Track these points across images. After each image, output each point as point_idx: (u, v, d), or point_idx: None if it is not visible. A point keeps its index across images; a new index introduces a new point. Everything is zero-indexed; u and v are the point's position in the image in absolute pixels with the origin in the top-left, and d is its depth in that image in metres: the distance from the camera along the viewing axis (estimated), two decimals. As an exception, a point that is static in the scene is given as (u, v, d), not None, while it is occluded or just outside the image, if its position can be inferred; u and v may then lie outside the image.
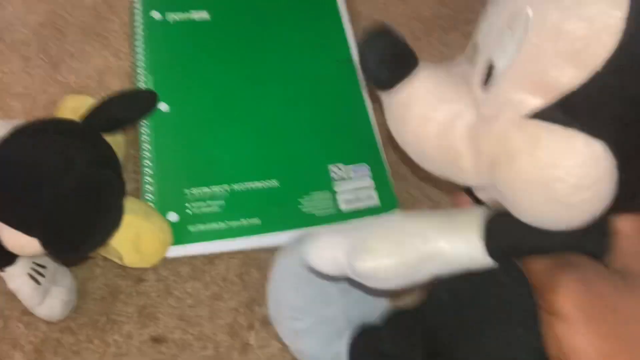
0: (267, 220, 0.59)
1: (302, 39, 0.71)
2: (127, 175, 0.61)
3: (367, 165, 0.63)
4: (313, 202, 0.60)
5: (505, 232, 0.34)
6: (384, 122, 0.66)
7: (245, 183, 0.60)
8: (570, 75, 0.27)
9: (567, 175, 0.28)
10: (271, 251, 0.59)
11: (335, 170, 0.62)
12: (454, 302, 0.41)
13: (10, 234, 0.44)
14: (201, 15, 0.71)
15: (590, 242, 0.32)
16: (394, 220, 0.37)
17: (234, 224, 0.58)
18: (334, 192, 0.61)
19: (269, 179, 0.61)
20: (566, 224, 0.31)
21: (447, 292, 0.42)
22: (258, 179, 0.61)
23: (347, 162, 0.63)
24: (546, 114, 0.28)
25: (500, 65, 0.30)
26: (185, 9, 0.71)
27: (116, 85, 0.67)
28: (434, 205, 0.63)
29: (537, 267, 0.33)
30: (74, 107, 0.57)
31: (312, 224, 0.59)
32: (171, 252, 0.56)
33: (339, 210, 0.60)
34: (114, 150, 0.48)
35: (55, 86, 0.66)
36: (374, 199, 0.61)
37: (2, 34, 0.68)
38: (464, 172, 0.33)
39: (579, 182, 0.28)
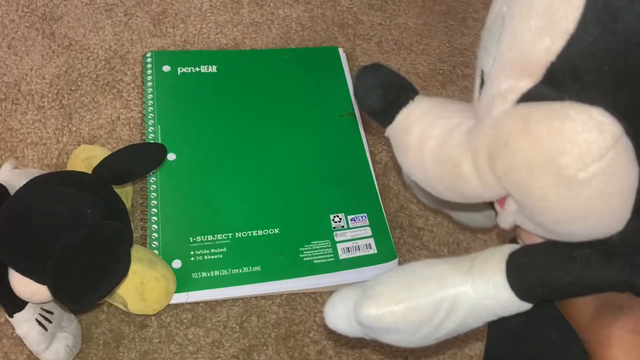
0: (267, 268, 0.60)
1: (307, 93, 0.74)
2: (135, 223, 0.63)
3: (366, 215, 0.65)
4: (313, 251, 0.62)
5: (530, 268, 0.31)
6: (383, 174, 0.69)
7: (248, 231, 0.62)
8: (547, 46, 0.26)
9: (568, 145, 0.25)
10: (271, 299, 0.60)
11: (336, 219, 0.64)
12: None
13: (21, 281, 0.46)
14: (210, 69, 0.74)
15: (637, 274, 0.28)
16: (411, 266, 0.34)
17: (235, 271, 0.60)
18: (333, 241, 0.63)
19: (271, 227, 0.63)
20: (595, 219, 0.27)
21: (502, 353, 0.39)
22: (260, 228, 0.63)
23: (347, 212, 0.65)
24: (533, 94, 0.27)
25: (487, 67, 0.30)
26: (195, 64, 0.74)
27: (126, 135, 0.70)
28: (431, 254, 0.65)
29: (581, 317, 0.30)
30: (86, 158, 0.60)
31: (312, 272, 0.61)
32: (174, 299, 0.58)
33: (338, 259, 0.62)
34: (122, 202, 0.51)
35: (68, 136, 0.69)
36: (372, 248, 0.63)
37: (20, 84, 0.72)
38: (468, 180, 0.30)
39: (584, 150, 0.25)
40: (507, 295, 0.31)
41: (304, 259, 0.61)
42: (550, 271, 0.30)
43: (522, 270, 0.31)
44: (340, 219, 0.65)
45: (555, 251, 0.31)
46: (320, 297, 0.61)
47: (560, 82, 0.26)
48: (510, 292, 0.31)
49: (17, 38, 0.75)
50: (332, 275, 0.61)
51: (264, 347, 0.58)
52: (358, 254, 0.62)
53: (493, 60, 0.29)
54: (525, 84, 0.28)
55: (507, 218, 0.32)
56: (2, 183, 0.53)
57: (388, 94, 0.33)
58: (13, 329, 0.52)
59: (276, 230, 0.63)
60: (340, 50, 0.79)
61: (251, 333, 0.58)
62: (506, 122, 0.28)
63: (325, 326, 0.54)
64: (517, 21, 0.27)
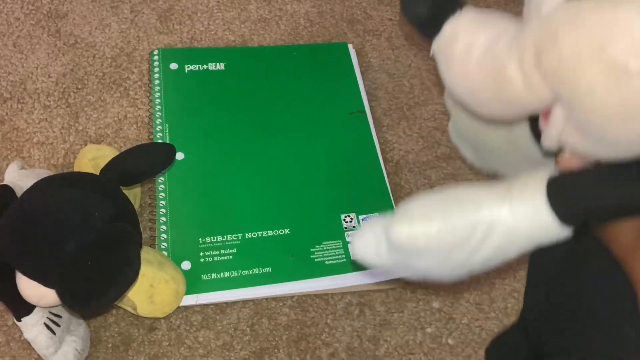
0: (278, 269, 0.59)
1: (316, 90, 0.73)
2: (143, 224, 0.62)
3: (377, 215, 0.64)
4: (324, 252, 0.61)
5: (573, 186, 0.29)
6: (394, 172, 0.68)
7: (258, 232, 0.61)
8: None
9: (620, 33, 0.25)
10: (282, 300, 0.59)
11: (347, 219, 0.63)
12: (552, 302, 0.36)
13: (29, 285, 0.45)
14: (217, 67, 0.73)
15: None
16: (446, 189, 0.32)
17: (245, 272, 0.59)
18: (345, 242, 0.62)
19: (281, 228, 0.62)
20: (638, 129, 0.26)
21: (543, 292, 0.37)
22: (270, 228, 0.62)
23: (358, 212, 0.64)
24: None
25: None
26: (203, 61, 0.73)
27: (134, 134, 0.69)
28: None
29: (624, 242, 0.29)
30: (93, 158, 0.59)
31: (323, 273, 0.60)
32: (183, 301, 0.57)
33: (349, 260, 0.61)
34: (131, 203, 0.50)
35: (74, 135, 0.68)
36: (384, 249, 0.61)
37: (25, 83, 0.71)
38: (513, 83, 0.29)
39: (636, 38, 0.24)
40: (547, 218, 0.29)
41: (315, 259, 0.60)
42: (596, 189, 0.29)
43: (565, 189, 0.29)
44: (351, 218, 0.63)
45: (600, 170, 0.29)
46: (331, 299, 0.60)
47: None
48: (550, 213, 0.29)
49: (23, 36, 0.74)
50: (344, 276, 0.60)
51: (276, 350, 0.57)
52: (370, 254, 0.61)
53: None
54: None
55: (552, 132, 0.30)
56: (9, 184, 0.52)
57: (436, 3, 0.33)
58: (21, 332, 0.51)
59: (286, 231, 0.62)
60: (350, 46, 0.77)
61: (262, 335, 0.57)
62: (556, 15, 0.27)
63: (334, 331, 0.53)
64: None
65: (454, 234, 0.30)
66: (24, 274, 0.45)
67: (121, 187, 0.51)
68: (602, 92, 0.26)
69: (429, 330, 0.59)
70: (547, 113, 0.30)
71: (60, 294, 0.43)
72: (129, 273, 0.44)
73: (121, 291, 0.43)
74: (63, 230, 0.44)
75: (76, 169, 0.60)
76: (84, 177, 0.49)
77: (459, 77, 0.33)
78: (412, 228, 0.31)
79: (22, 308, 0.48)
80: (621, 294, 0.30)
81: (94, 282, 0.42)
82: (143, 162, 0.53)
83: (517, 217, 0.30)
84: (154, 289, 0.52)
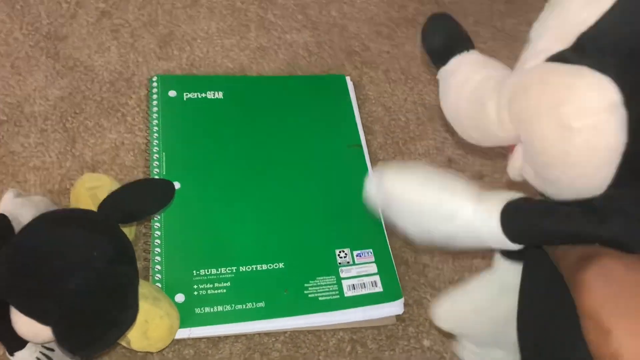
0: (272, 304, 0.60)
1: (314, 122, 0.73)
2: (137, 254, 0.62)
3: (372, 251, 0.64)
4: (318, 287, 0.61)
5: (522, 209, 0.36)
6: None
7: (252, 265, 0.62)
8: (583, 18, 0.32)
9: (572, 98, 0.31)
10: (274, 336, 0.60)
11: (342, 255, 0.64)
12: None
13: (24, 322, 0.45)
14: (216, 95, 0.74)
15: (616, 227, 0.32)
16: (441, 170, 0.40)
17: (239, 307, 0.59)
18: (339, 277, 0.62)
19: (276, 262, 0.62)
20: (580, 169, 0.32)
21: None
22: (265, 262, 0.62)
23: (352, 247, 0.64)
24: (560, 56, 0.32)
25: (536, 34, 0.35)
26: (202, 89, 0.74)
27: (130, 161, 0.69)
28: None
29: (564, 262, 0.33)
30: (91, 187, 0.59)
31: (316, 310, 0.60)
32: (176, 334, 0.57)
33: (343, 296, 0.61)
34: (129, 241, 0.50)
35: (71, 161, 0.68)
36: (378, 286, 0.62)
37: (22, 106, 0.71)
38: (489, 117, 0.36)
39: (584, 104, 0.30)
40: (496, 228, 0.36)
41: (309, 295, 0.61)
42: (539, 217, 0.35)
43: (514, 210, 0.36)
44: (345, 254, 0.64)
45: (548, 204, 0.35)
46: (324, 335, 0.60)
47: (584, 50, 0.32)
48: (499, 226, 0.36)
49: (21, 57, 0.74)
50: (337, 313, 0.60)
51: (267, 387, 0.57)
52: (364, 291, 0.62)
53: (540, 28, 0.35)
54: (558, 47, 0.33)
55: (514, 164, 0.37)
56: (6, 214, 0.52)
57: (450, 39, 0.40)
58: (12, 365, 0.51)
59: (281, 265, 0.62)
60: (348, 78, 0.78)
61: (254, 371, 0.57)
62: (532, 72, 0.34)
63: None
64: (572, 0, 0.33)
65: (422, 200, 0.38)
66: (20, 310, 0.45)
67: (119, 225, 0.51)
68: (550, 141, 0.32)
69: (419, 369, 0.59)
70: (512, 147, 0.37)
71: (58, 340, 0.42)
72: (127, 318, 0.44)
73: (119, 336, 0.43)
74: (63, 269, 0.44)
75: (73, 198, 0.60)
76: (83, 215, 0.49)
77: (452, 103, 0.40)
78: (395, 178, 0.39)
79: (15, 343, 0.48)
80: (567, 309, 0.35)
81: (92, 328, 0.42)
82: (143, 200, 0.53)
83: (476, 218, 0.36)
84: (149, 324, 0.52)
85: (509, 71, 0.37)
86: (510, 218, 0.36)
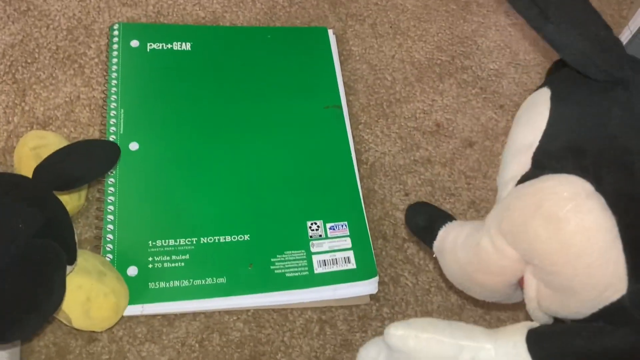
0: (234, 280, 0.55)
1: (290, 79, 0.67)
2: (89, 221, 0.57)
3: (347, 224, 0.59)
4: (286, 262, 0.56)
5: (549, 332, 0.36)
6: (368, 176, 0.63)
7: (214, 237, 0.56)
8: (530, 142, 0.38)
9: (548, 195, 0.34)
10: (236, 314, 0.55)
11: (313, 227, 0.58)
12: None
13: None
14: (183, 46, 0.67)
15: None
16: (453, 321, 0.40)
17: (198, 282, 0.54)
18: (309, 252, 0.57)
19: (241, 233, 0.57)
20: (587, 259, 0.32)
21: None
22: (229, 233, 0.57)
23: (326, 219, 0.59)
24: (525, 177, 0.37)
25: (501, 179, 0.40)
26: (167, 40, 0.67)
27: (85, 117, 0.62)
28: (416, 270, 0.59)
29: None
30: (35, 147, 0.53)
31: (283, 287, 0.55)
32: (128, 310, 0.52)
33: (313, 273, 0.56)
34: (66, 212, 0.44)
35: (20, 116, 0.61)
36: (351, 263, 0.57)
37: (-32, 54, 0.64)
38: (487, 251, 0.38)
39: (560, 196, 0.33)
40: (525, 357, 0.36)
41: (275, 271, 0.56)
42: (569, 336, 0.35)
43: (539, 335, 0.36)
44: (318, 226, 0.58)
45: (574, 324, 0.36)
46: (290, 314, 0.55)
47: (542, 164, 0.37)
48: (527, 354, 0.36)
49: (-32, -1, 0.67)
50: (305, 291, 0.55)
51: (225, 370, 0.52)
52: (335, 268, 0.56)
53: (502, 168, 0.40)
54: (521, 172, 0.38)
55: (530, 293, 0.37)
56: None
57: (432, 217, 0.45)
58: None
59: (246, 237, 0.57)
60: (330, 31, 0.71)
61: (212, 353, 0.53)
62: (507, 197, 0.37)
63: (291, 350, 0.50)
64: (515, 135, 0.40)
65: (441, 347, 0.37)
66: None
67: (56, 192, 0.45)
68: (545, 240, 0.34)
69: (392, 353, 0.55)
70: (522, 281, 0.38)
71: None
72: (51, 301, 0.38)
73: (40, 321, 0.38)
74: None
75: (16, 158, 0.55)
76: (10, 181, 0.43)
77: (451, 262, 0.42)
78: (406, 331, 0.38)
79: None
80: None
81: (11, 311, 0.37)
82: (82, 164, 0.47)
83: (499, 353, 0.36)
84: (91, 302, 0.47)
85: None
86: (539, 342, 0.36)
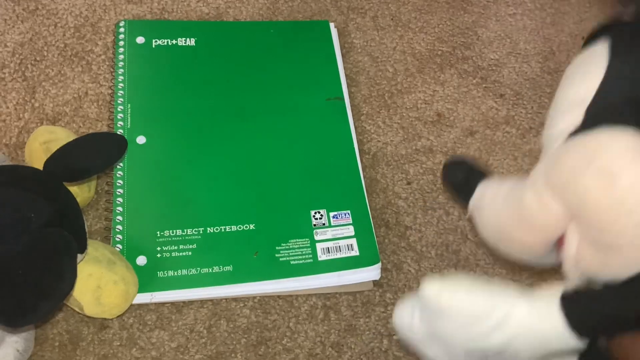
0: (240, 268, 0.56)
1: (292, 72, 0.68)
2: (98, 213, 0.58)
3: (349, 212, 0.60)
4: (290, 250, 0.57)
5: (585, 295, 0.34)
6: (371, 165, 0.64)
7: (221, 226, 0.58)
8: (583, 96, 0.36)
9: (603, 148, 0.32)
10: (242, 301, 0.56)
11: (317, 216, 0.60)
12: None
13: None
14: (188, 42, 0.68)
15: None
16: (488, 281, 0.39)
17: (205, 270, 0.56)
18: (313, 240, 0.58)
19: (246, 223, 0.58)
20: (637, 215, 0.31)
21: None
22: (234, 223, 0.58)
23: (329, 208, 0.60)
24: (577, 131, 0.35)
25: (547, 134, 0.39)
26: (172, 36, 0.68)
27: (94, 113, 0.64)
28: (417, 256, 0.60)
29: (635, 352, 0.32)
30: (45, 141, 0.55)
31: (288, 274, 0.56)
32: (137, 299, 0.54)
33: (317, 260, 0.57)
34: (76, 203, 0.46)
35: (30, 112, 0.63)
36: (354, 250, 0.58)
37: (-20, 53, 0.66)
38: (530, 209, 0.36)
39: (615, 150, 0.32)
40: (559, 322, 0.33)
41: (280, 259, 0.57)
42: (600, 299, 0.33)
43: (574, 295, 0.34)
44: (321, 215, 0.60)
45: (611, 285, 0.34)
46: (295, 301, 0.57)
47: (597, 117, 0.34)
48: (562, 319, 0.33)
49: (-22, -1, 0.69)
50: (309, 278, 0.56)
51: (233, 355, 0.54)
52: (338, 255, 0.58)
53: (551, 123, 0.38)
54: (572, 126, 0.36)
55: (569, 252, 0.35)
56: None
57: (470, 173, 0.43)
58: (-43, 331, 0.48)
59: (251, 226, 0.58)
60: (332, 25, 0.73)
61: (219, 338, 0.54)
62: (558, 150, 0.35)
63: (296, 335, 0.51)
64: (567, 89, 0.38)
65: (475, 305, 0.36)
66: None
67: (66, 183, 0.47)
68: (597, 195, 0.32)
69: (396, 337, 0.56)
70: (561, 241, 0.36)
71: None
72: (61, 288, 0.40)
73: (51, 308, 0.40)
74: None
75: (27, 152, 0.56)
76: (22, 173, 0.45)
77: (490, 218, 0.40)
78: (441, 287, 0.36)
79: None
80: None
81: (23, 297, 0.39)
82: (91, 156, 0.48)
83: (532, 315, 0.34)
84: (102, 290, 0.48)
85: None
86: (574, 302, 0.34)
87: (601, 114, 0.34)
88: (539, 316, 0.34)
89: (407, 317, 0.39)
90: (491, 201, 0.40)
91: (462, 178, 0.43)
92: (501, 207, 0.38)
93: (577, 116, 0.36)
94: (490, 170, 0.45)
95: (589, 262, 0.34)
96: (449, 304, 0.36)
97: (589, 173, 0.32)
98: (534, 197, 0.36)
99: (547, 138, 0.38)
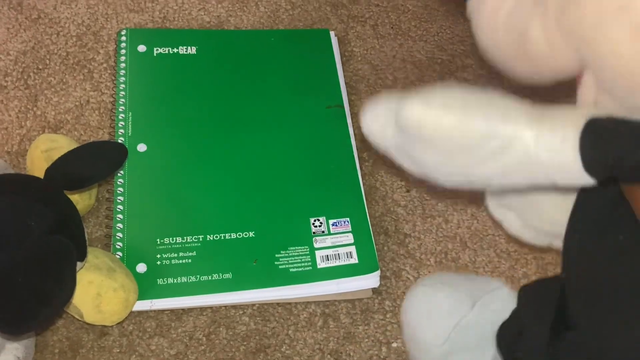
0: (239, 276, 0.56)
1: (293, 80, 0.68)
2: (99, 220, 0.59)
3: (349, 220, 0.60)
4: (289, 258, 0.58)
5: (612, 130, 0.27)
6: (370, 173, 0.64)
7: (220, 234, 0.58)
8: None
9: None
10: (242, 309, 0.56)
11: (316, 223, 0.60)
12: (592, 274, 0.34)
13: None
14: (189, 50, 0.69)
15: None
16: (485, 91, 0.30)
17: (204, 278, 0.56)
18: (312, 248, 0.59)
19: (246, 230, 0.59)
20: None
21: (585, 260, 0.34)
22: (234, 230, 0.59)
23: (328, 216, 0.60)
24: None
25: None
26: (173, 44, 0.69)
27: (95, 121, 0.64)
28: (417, 264, 0.61)
29: None
30: (47, 149, 0.55)
31: (287, 282, 0.56)
32: (137, 306, 0.54)
33: (316, 268, 0.57)
34: (76, 211, 0.46)
35: (32, 120, 0.64)
36: (353, 257, 0.58)
37: (-17, 61, 0.67)
38: (536, 46, 0.29)
39: None
40: (571, 157, 0.27)
41: (280, 266, 0.57)
42: (633, 143, 0.26)
43: (601, 135, 0.27)
44: (321, 222, 0.60)
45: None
46: (294, 308, 0.57)
47: None
48: (576, 154, 0.27)
49: (-19, 8, 0.70)
50: (308, 285, 0.57)
51: (232, 362, 0.54)
52: (338, 263, 0.58)
53: None
54: None
55: (586, 97, 0.29)
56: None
57: None
58: (-42, 338, 0.48)
59: (251, 234, 0.58)
60: (332, 33, 0.73)
61: (219, 346, 0.54)
62: None
63: (295, 343, 0.51)
64: None
65: (465, 134, 0.28)
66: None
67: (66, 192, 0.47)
68: (628, 56, 0.25)
69: (394, 345, 0.56)
70: (580, 76, 0.29)
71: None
72: (62, 295, 0.40)
73: (51, 315, 0.40)
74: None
75: (28, 160, 0.57)
76: (23, 182, 0.45)
77: (488, 34, 0.33)
78: (425, 112, 0.29)
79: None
80: None
81: (24, 303, 0.39)
82: (91, 165, 0.49)
83: (540, 145, 0.28)
84: (102, 297, 0.49)
85: None
86: (596, 144, 0.27)
87: None
88: (547, 149, 0.28)
89: (378, 125, 0.32)
90: (492, 12, 0.32)
91: None
92: (502, 31, 0.31)
93: None
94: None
95: (610, 109, 0.29)
96: (434, 132, 0.29)
97: (619, 24, 0.25)
98: (542, 34, 0.29)
99: None
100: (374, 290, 0.58)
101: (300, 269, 0.57)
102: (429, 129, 0.29)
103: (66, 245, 0.42)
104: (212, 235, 0.58)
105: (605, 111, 0.28)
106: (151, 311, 0.55)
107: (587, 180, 0.28)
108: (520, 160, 0.28)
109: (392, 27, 0.76)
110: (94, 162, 0.49)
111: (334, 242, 0.59)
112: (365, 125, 0.33)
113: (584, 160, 0.27)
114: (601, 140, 0.27)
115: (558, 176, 0.28)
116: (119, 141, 0.61)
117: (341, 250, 0.59)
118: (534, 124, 0.28)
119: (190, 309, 0.56)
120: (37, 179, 0.47)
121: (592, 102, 0.29)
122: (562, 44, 0.28)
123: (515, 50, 0.31)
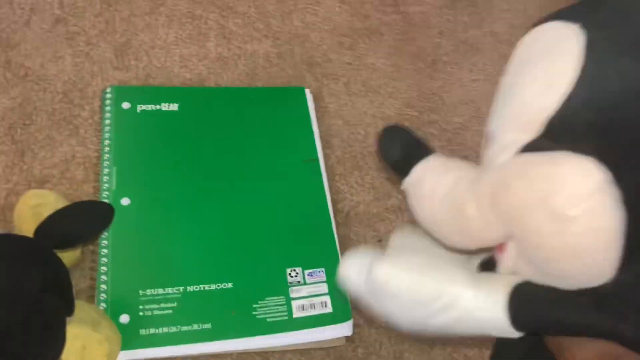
0: (218, 326, 0.59)
1: (270, 136, 0.72)
2: (84, 272, 0.61)
3: (324, 270, 0.64)
4: (267, 308, 0.61)
5: (532, 297, 0.33)
6: (344, 223, 0.68)
7: (200, 285, 0.61)
8: (545, 105, 0.31)
9: (559, 187, 0.29)
10: (221, 357, 0.59)
11: (292, 274, 0.63)
12: None
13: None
14: (171, 107, 0.72)
15: (634, 325, 0.31)
16: (430, 245, 0.39)
17: (185, 328, 0.58)
18: (288, 298, 0.62)
19: (224, 281, 0.61)
20: (584, 258, 0.30)
21: None
22: (213, 281, 0.61)
23: (304, 266, 0.64)
24: (532, 146, 0.31)
25: (494, 126, 0.35)
26: (156, 101, 0.72)
27: (80, 175, 0.67)
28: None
29: (576, 357, 0.32)
30: (35, 205, 0.57)
31: (264, 331, 0.59)
32: (121, 356, 0.56)
33: (292, 317, 0.60)
34: (66, 270, 0.48)
35: (18, 175, 0.66)
36: (327, 307, 0.61)
37: (-29, 117, 0.69)
38: (472, 221, 0.34)
39: (574, 191, 0.29)
40: (502, 316, 0.34)
41: (257, 316, 0.60)
42: (550, 307, 0.33)
43: (522, 297, 0.34)
44: (297, 273, 0.63)
45: (559, 292, 0.33)
46: (272, 357, 0.60)
47: (556, 135, 0.30)
48: (506, 314, 0.34)
49: (-29, 66, 0.73)
50: (285, 335, 0.59)
51: (211, 410, 0.56)
52: (313, 312, 0.61)
53: (500, 120, 0.34)
54: (526, 137, 0.32)
55: (507, 263, 0.35)
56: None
57: (407, 148, 0.39)
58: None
59: (229, 285, 0.61)
60: (307, 91, 0.77)
61: (198, 395, 0.57)
62: (507, 168, 0.32)
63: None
64: (523, 86, 0.32)
65: (420, 292, 0.35)
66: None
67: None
68: (546, 234, 0.30)
69: (367, 391, 0.59)
70: (501, 246, 0.35)
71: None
72: (51, 355, 0.42)
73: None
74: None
75: (16, 216, 0.59)
76: (14, 243, 0.48)
77: (426, 212, 0.37)
78: (390, 271, 0.36)
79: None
80: None
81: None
82: (80, 225, 0.51)
83: (477, 304, 0.34)
84: (86, 350, 0.51)
85: (475, 169, 0.36)
86: (520, 306, 0.34)
87: (562, 133, 0.30)
88: (484, 308, 0.34)
89: (354, 276, 0.39)
90: (429, 192, 0.37)
91: (398, 156, 0.39)
92: (439, 207, 0.36)
93: (533, 126, 0.31)
94: (429, 146, 0.40)
95: (527, 274, 0.34)
96: (397, 288, 0.36)
97: (541, 212, 0.30)
98: (477, 212, 0.33)
99: (493, 130, 0.34)
100: (347, 338, 0.61)
101: (277, 319, 0.60)
102: (393, 285, 0.36)
103: (57, 304, 0.44)
104: (192, 287, 0.61)
105: (523, 275, 0.34)
106: (133, 361, 0.57)
107: (515, 334, 0.34)
108: (463, 316, 0.35)
109: (363, 85, 0.81)
110: (83, 221, 0.52)
111: (310, 292, 0.62)
112: (342, 272, 0.40)
113: (511, 318, 0.34)
114: (525, 302, 0.34)
115: (492, 330, 0.35)
116: (104, 195, 0.64)
117: (316, 300, 0.62)
118: (474, 285, 0.35)
119: (172, 358, 0.58)
120: (28, 239, 0.49)
121: (512, 266, 0.35)
122: (496, 222, 0.33)
123: (452, 225, 0.36)
